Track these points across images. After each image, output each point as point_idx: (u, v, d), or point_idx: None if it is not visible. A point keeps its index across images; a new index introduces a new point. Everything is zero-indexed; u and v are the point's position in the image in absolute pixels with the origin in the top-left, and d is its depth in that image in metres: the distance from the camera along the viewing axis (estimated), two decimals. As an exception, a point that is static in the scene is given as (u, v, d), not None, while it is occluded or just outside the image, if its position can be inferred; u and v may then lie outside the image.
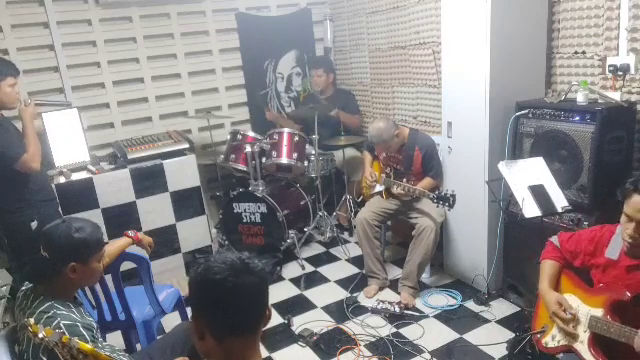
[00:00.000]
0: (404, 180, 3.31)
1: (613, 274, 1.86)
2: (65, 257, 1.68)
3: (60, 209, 3.06)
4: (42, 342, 1.39)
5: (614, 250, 1.87)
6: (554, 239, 2.13)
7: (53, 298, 1.66)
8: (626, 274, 1.81)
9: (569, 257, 2.05)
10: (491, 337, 2.76)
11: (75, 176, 3.33)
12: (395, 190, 3.24)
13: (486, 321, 2.93)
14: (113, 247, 2.28)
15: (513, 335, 2.58)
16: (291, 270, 3.79)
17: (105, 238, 3.34)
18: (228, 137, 4.02)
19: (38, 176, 2.74)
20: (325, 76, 4.37)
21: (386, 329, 2.93)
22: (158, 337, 2.50)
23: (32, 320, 1.44)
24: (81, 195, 3.29)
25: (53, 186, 3.15)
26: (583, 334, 1.87)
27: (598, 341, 1.82)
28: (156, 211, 3.57)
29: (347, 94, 4.56)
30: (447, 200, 2.91)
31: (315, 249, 4.13)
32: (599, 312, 1.83)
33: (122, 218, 3.44)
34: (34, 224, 2.60)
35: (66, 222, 1.73)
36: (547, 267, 2.08)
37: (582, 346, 1.86)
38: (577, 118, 2.52)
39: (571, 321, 1.89)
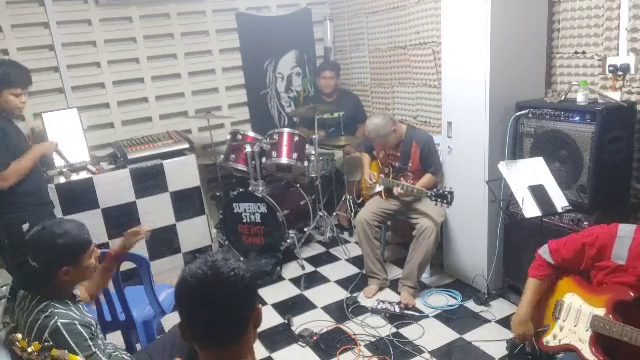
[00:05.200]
0: (402, 178, 3.31)
1: (621, 279, 1.83)
2: (54, 264, 1.67)
3: (57, 212, 3.04)
4: (30, 356, 1.38)
5: (621, 254, 1.84)
6: (544, 252, 2.07)
7: (51, 298, 1.67)
8: (637, 281, 1.79)
9: (569, 265, 2.01)
10: (491, 337, 2.76)
11: (75, 176, 3.33)
12: (395, 191, 3.24)
13: (486, 321, 2.93)
14: (94, 280, 2.09)
15: (513, 335, 2.57)
16: (291, 270, 3.79)
17: (105, 238, 3.38)
18: (228, 137, 4.02)
19: (34, 179, 2.74)
20: (335, 78, 4.42)
21: (386, 329, 2.93)
22: (158, 337, 2.50)
23: (19, 335, 1.43)
24: (81, 195, 3.30)
25: (53, 186, 3.15)
26: (585, 333, 1.86)
27: (600, 341, 1.81)
28: (156, 211, 3.57)
29: (353, 98, 4.55)
30: (445, 197, 2.91)
31: (315, 249, 4.13)
32: (601, 312, 1.82)
33: (122, 218, 3.44)
34: (26, 226, 2.59)
35: (46, 228, 1.69)
36: (531, 287, 2.08)
37: (583, 345, 1.85)
38: (577, 118, 2.52)
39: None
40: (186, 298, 1.13)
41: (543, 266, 2.07)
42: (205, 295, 1.10)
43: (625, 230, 1.87)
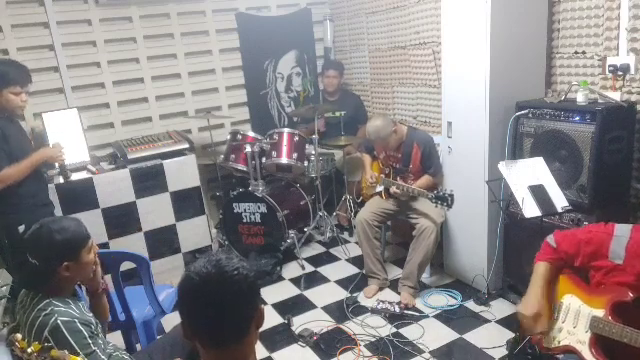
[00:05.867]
0: (403, 179, 3.31)
1: (619, 279, 1.82)
2: (55, 260, 1.68)
3: (57, 212, 3.04)
4: (30, 357, 1.38)
5: (618, 253, 1.84)
6: (550, 238, 2.08)
7: (51, 296, 1.67)
8: (635, 281, 1.78)
9: (567, 258, 2.01)
10: (491, 337, 2.76)
11: (75, 176, 3.33)
12: (391, 190, 3.24)
13: (486, 321, 2.93)
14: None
15: (513, 335, 2.57)
16: (291, 270, 3.79)
17: (105, 238, 3.38)
18: (228, 137, 4.02)
19: (36, 180, 2.74)
20: (339, 77, 4.43)
21: (386, 329, 2.93)
22: (158, 337, 2.50)
23: (19, 336, 1.44)
24: (81, 195, 3.30)
25: (53, 186, 3.15)
26: (584, 335, 1.86)
27: (599, 342, 1.81)
28: (156, 211, 3.57)
29: (355, 98, 4.56)
30: (445, 200, 2.91)
31: (315, 249, 4.13)
32: (600, 313, 1.82)
33: (122, 218, 3.44)
34: (22, 228, 2.59)
35: (44, 226, 1.70)
36: (541, 270, 2.02)
37: (583, 347, 1.85)
38: (577, 118, 2.52)
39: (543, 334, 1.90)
40: (189, 296, 1.13)
41: (550, 251, 2.05)
42: (209, 294, 1.10)
43: (621, 229, 1.87)
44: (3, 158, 2.57)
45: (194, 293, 1.12)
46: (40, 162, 2.75)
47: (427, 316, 3.04)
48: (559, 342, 1.96)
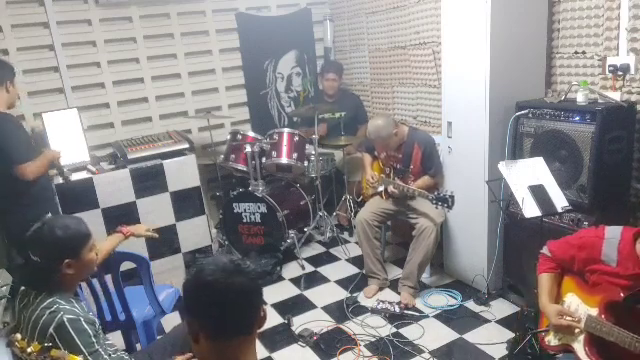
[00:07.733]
0: (402, 179, 3.31)
1: (613, 280, 1.84)
2: (57, 257, 1.69)
3: (60, 210, 3.06)
4: (30, 357, 1.38)
5: (610, 256, 1.86)
6: (544, 250, 2.12)
7: (55, 294, 1.67)
8: (629, 282, 1.79)
9: (565, 265, 2.04)
10: (491, 337, 2.76)
11: (75, 176, 3.33)
12: (389, 189, 3.24)
13: (486, 321, 2.93)
14: (105, 245, 2.27)
15: (513, 335, 2.58)
16: (291, 270, 3.79)
17: (104, 238, 3.38)
18: (228, 137, 4.02)
19: (43, 177, 2.75)
20: (338, 80, 4.42)
21: (386, 329, 2.93)
22: (158, 337, 2.50)
23: (19, 336, 1.44)
24: (81, 195, 3.30)
25: (53, 186, 3.16)
26: (580, 333, 1.87)
27: (595, 341, 1.82)
28: (156, 211, 3.57)
29: (355, 98, 4.56)
30: (446, 201, 2.91)
31: (315, 249, 4.13)
32: (595, 312, 1.83)
33: (122, 218, 3.42)
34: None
35: (46, 223, 1.73)
36: (544, 281, 2.07)
37: (579, 345, 1.86)
38: (577, 118, 2.52)
39: (576, 325, 1.88)
40: (203, 285, 1.15)
41: (547, 261, 2.09)
42: (214, 294, 1.13)
43: (612, 232, 1.89)
44: (23, 150, 2.61)
45: (198, 293, 1.15)
46: (47, 162, 2.78)
47: (427, 316, 3.04)
48: (559, 340, 1.97)
